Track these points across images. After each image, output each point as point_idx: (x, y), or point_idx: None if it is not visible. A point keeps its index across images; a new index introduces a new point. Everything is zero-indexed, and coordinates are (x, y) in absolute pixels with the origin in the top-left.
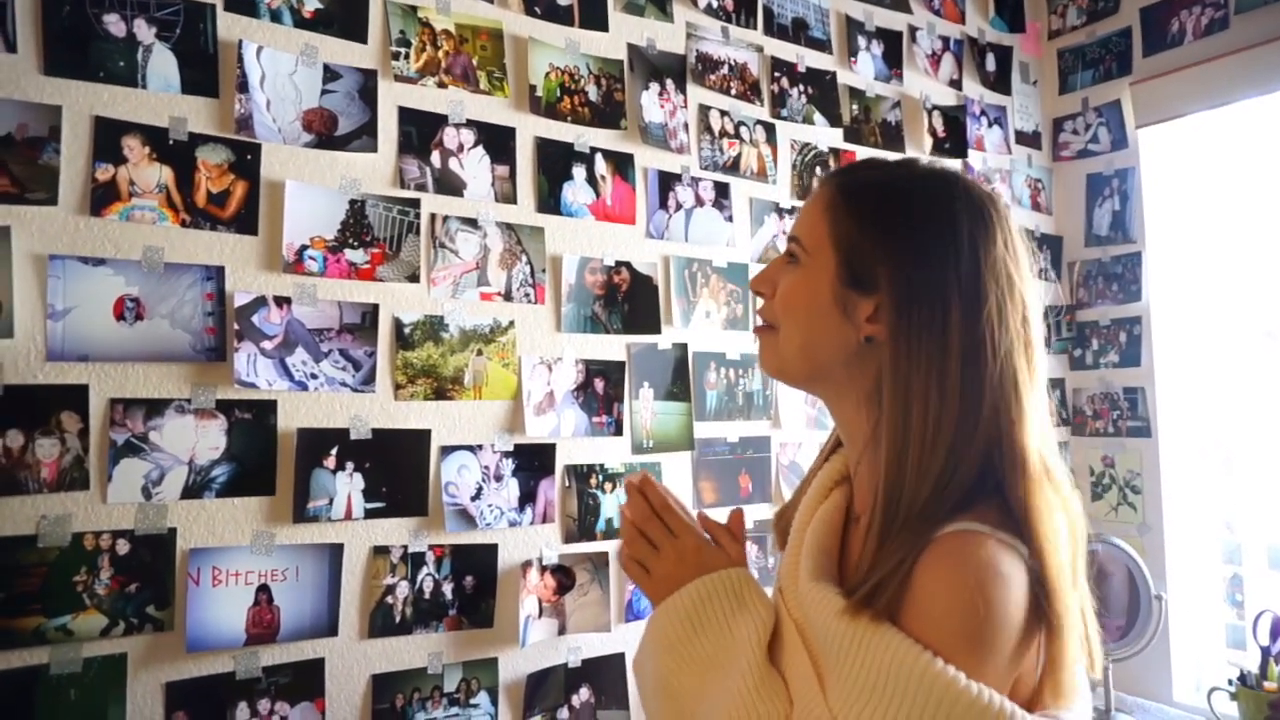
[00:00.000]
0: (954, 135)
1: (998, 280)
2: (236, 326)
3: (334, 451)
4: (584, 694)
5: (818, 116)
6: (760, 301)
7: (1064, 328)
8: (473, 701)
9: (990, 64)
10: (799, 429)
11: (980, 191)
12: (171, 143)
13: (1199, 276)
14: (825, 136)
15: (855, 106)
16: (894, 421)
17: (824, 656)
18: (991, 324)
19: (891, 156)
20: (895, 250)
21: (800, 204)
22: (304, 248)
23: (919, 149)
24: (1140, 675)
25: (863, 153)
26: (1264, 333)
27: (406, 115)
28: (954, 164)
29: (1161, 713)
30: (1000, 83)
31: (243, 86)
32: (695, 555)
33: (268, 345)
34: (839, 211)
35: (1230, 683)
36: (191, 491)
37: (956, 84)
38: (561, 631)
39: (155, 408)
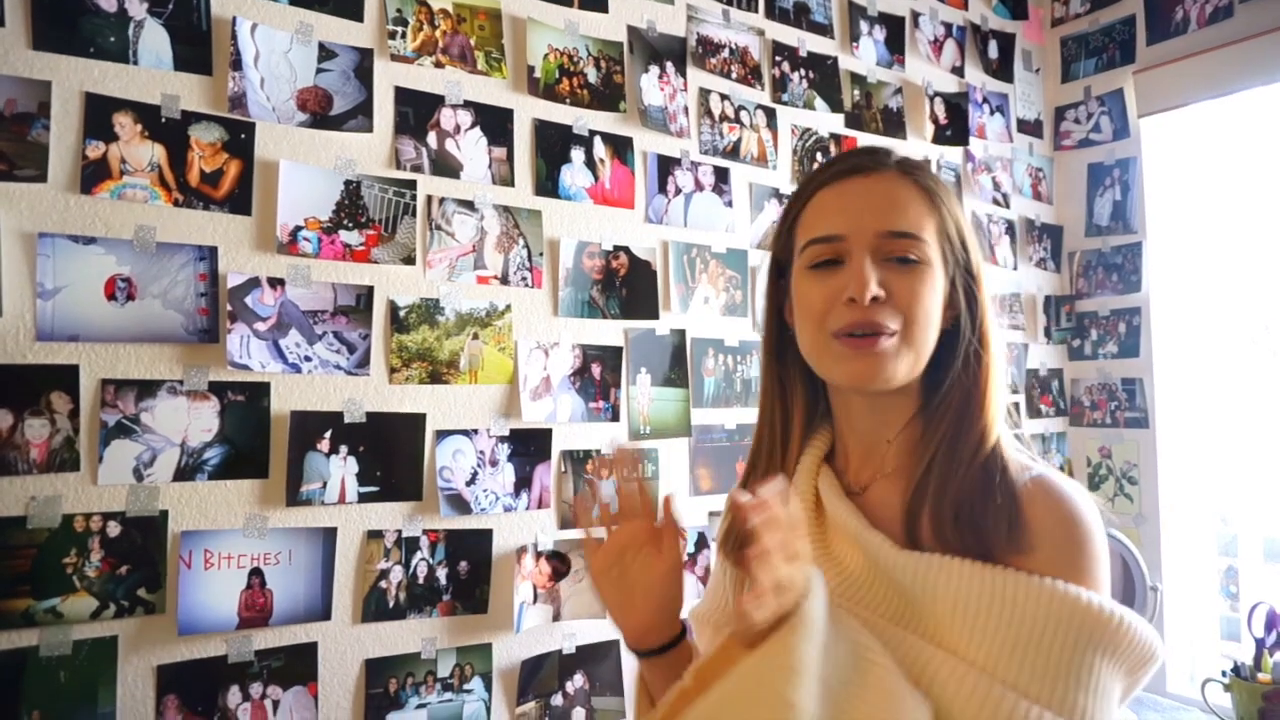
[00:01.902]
0: (956, 122)
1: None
2: (229, 307)
3: (328, 435)
4: (578, 680)
5: (819, 102)
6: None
7: (1063, 318)
8: (466, 687)
9: (993, 51)
10: None
11: None
12: (164, 120)
13: (1199, 268)
14: (826, 122)
15: (857, 92)
16: (979, 386)
17: (952, 616)
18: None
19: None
20: (970, 236)
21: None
22: (298, 229)
23: (920, 136)
24: None
25: (864, 139)
26: (1262, 325)
27: (403, 95)
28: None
29: (1155, 703)
30: (1003, 70)
31: (236, 64)
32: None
33: (261, 327)
34: (933, 201)
35: (1224, 674)
36: (183, 474)
37: (959, 71)
38: (556, 618)
39: (147, 389)
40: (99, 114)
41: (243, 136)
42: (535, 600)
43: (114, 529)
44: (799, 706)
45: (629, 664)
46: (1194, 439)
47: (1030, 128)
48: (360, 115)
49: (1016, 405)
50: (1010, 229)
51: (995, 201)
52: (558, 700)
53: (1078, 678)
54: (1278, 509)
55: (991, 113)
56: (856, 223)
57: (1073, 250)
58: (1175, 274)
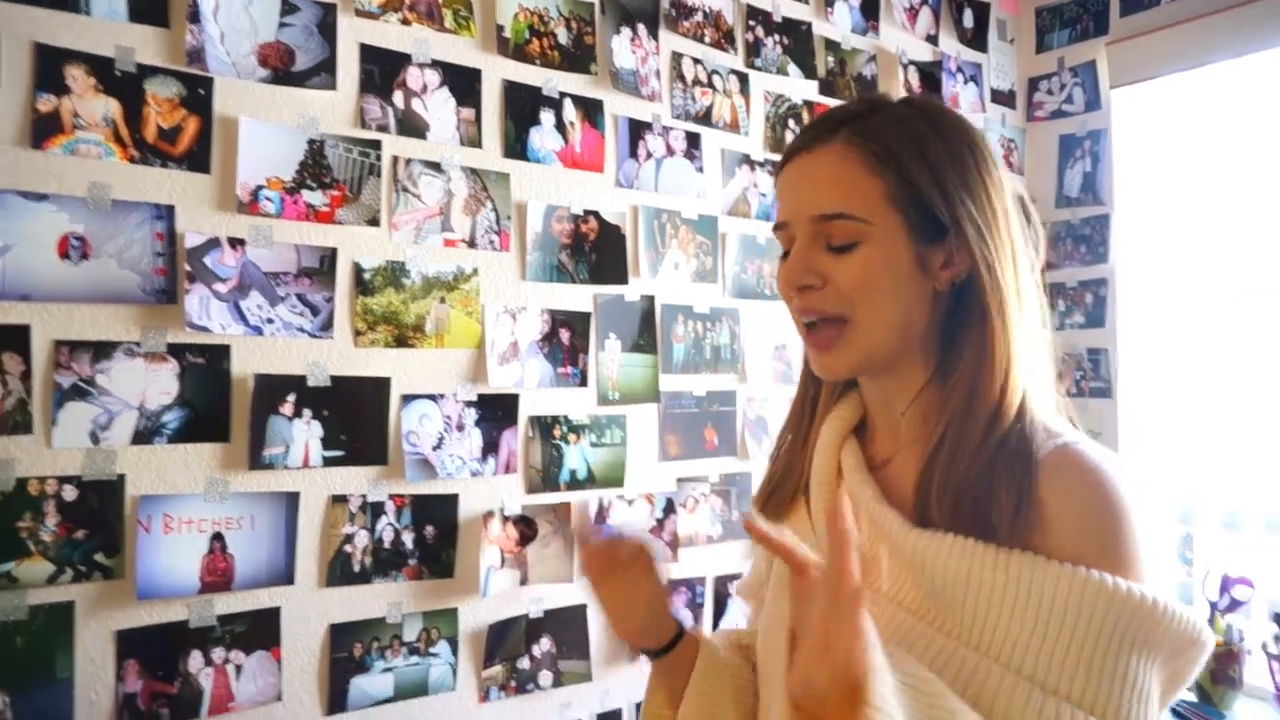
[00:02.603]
0: (929, 91)
1: (1005, 193)
2: (188, 268)
3: (291, 398)
4: (545, 644)
5: (792, 68)
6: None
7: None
8: (433, 651)
9: (968, 20)
10: (766, 383)
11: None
12: (118, 74)
13: (1165, 240)
14: (799, 88)
15: (830, 59)
16: (995, 347)
17: (964, 601)
18: (1019, 236)
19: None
20: (961, 185)
21: (775, 157)
22: (259, 188)
23: None
24: None
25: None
26: (1229, 299)
27: (368, 53)
28: None
29: None
30: (977, 39)
31: (194, 16)
32: None
33: (221, 288)
34: (882, 165)
35: None
36: (142, 437)
37: (933, 39)
38: (523, 582)
39: (103, 350)
40: (49, 66)
41: (201, 92)
42: (502, 565)
43: (70, 493)
44: None
45: (595, 627)
46: (1156, 409)
47: (1003, 98)
48: (324, 72)
49: None
50: None
51: None
52: (524, 664)
53: (1107, 672)
54: (1235, 479)
55: (965, 82)
56: (793, 209)
57: (1042, 221)
58: (1142, 246)
